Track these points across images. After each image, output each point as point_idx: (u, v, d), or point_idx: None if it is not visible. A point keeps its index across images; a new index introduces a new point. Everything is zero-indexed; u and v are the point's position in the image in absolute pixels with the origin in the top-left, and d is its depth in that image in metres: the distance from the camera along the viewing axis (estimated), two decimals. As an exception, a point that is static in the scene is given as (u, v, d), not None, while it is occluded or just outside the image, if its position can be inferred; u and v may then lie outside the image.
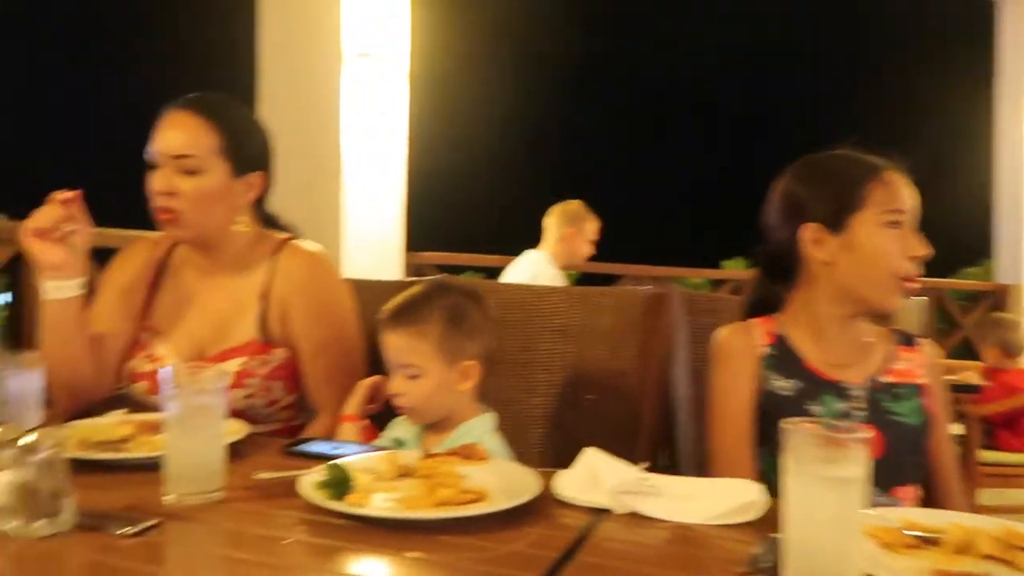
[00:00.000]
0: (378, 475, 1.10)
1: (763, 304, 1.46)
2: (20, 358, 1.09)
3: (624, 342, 1.59)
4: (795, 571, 0.77)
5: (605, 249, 3.99)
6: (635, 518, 1.01)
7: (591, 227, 3.88)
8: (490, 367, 1.42)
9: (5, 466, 0.90)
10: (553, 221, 3.84)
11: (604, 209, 3.97)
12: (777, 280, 1.44)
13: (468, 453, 1.19)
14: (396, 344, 1.34)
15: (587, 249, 3.89)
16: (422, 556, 0.85)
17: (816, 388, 1.36)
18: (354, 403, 1.47)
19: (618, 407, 1.58)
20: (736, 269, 5.46)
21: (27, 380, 1.09)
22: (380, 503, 1.00)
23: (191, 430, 1.02)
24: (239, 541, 0.90)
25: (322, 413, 1.57)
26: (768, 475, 1.35)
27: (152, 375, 1.54)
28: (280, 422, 1.58)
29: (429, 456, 1.18)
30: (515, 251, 3.90)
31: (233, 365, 1.50)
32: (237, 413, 1.50)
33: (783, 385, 1.37)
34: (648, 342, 1.57)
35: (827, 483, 0.74)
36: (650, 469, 1.12)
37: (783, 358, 1.39)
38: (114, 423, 1.28)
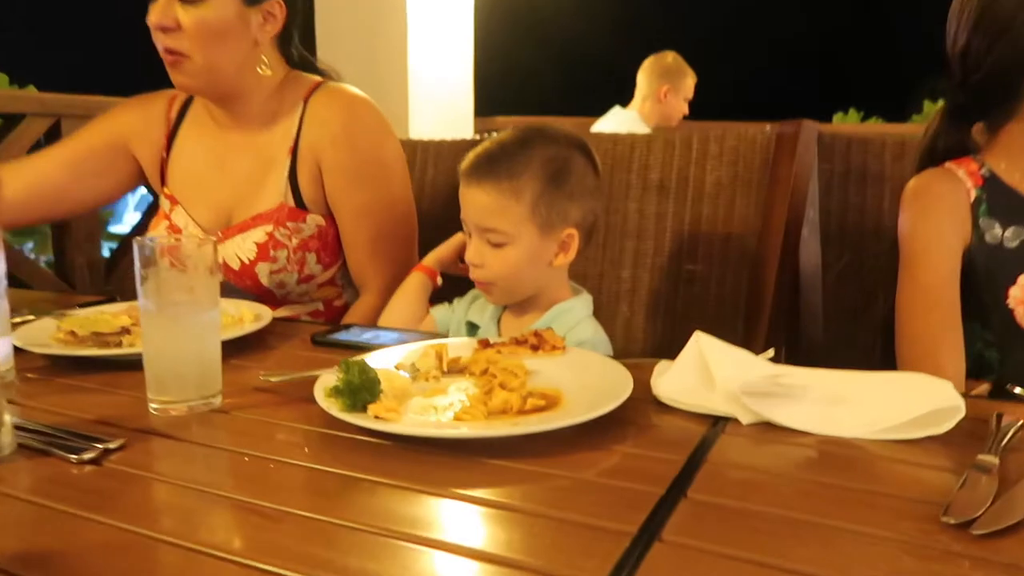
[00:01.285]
0: (420, 373, 0.85)
1: (949, 152, 1.16)
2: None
3: (740, 198, 1.26)
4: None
5: (699, 104, 3.55)
6: (767, 430, 0.73)
7: (688, 83, 3.45)
8: (591, 238, 1.15)
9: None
10: (645, 77, 3.41)
11: (698, 61, 3.51)
12: (979, 118, 1.15)
13: (539, 341, 0.93)
14: (479, 202, 1.07)
15: (683, 108, 3.47)
16: (462, 493, 0.60)
17: None
18: (437, 254, 1.23)
19: (730, 281, 1.27)
20: (851, 123, 4.89)
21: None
22: (416, 413, 0.75)
23: (171, 321, 0.79)
24: (223, 467, 0.67)
25: (365, 292, 1.33)
26: (984, 355, 1.09)
27: (172, 250, 1.33)
28: (319, 301, 1.36)
29: (487, 346, 0.92)
30: (598, 112, 3.50)
31: (259, 235, 1.27)
32: (266, 292, 1.29)
33: (1005, 235, 1.08)
34: (771, 197, 1.23)
35: None
36: (775, 360, 0.84)
37: (1000, 202, 1.09)
38: (114, 312, 1.07)
